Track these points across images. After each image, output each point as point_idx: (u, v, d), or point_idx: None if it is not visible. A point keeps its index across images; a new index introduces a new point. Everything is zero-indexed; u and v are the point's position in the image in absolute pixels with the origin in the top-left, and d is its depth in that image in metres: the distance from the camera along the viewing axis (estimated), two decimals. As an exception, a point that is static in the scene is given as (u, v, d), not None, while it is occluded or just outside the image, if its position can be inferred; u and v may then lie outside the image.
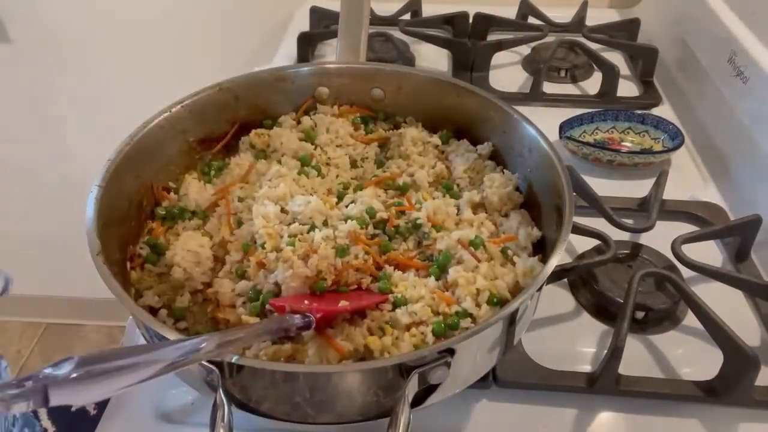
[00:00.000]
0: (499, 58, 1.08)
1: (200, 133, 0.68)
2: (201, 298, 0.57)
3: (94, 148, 0.93)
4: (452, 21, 1.17)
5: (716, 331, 0.57)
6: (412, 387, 0.43)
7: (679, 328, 0.65)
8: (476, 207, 0.64)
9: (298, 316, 0.48)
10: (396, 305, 0.53)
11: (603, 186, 0.80)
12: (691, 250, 0.66)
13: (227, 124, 0.70)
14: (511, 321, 0.49)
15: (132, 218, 0.60)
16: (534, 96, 0.99)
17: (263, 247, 0.56)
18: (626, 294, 0.60)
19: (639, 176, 0.84)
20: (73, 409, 1.70)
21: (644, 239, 0.73)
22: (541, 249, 0.59)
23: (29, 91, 1.44)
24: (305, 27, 1.17)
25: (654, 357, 0.62)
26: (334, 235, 0.57)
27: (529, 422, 0.57)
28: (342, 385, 0.45)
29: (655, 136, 0.89)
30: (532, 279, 0.52)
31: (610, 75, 0.99)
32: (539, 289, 0.50)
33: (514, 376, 0.59)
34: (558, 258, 0.48)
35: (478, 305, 0.52)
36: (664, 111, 0.97)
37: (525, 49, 1.14)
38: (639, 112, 0.91)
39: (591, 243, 0.69)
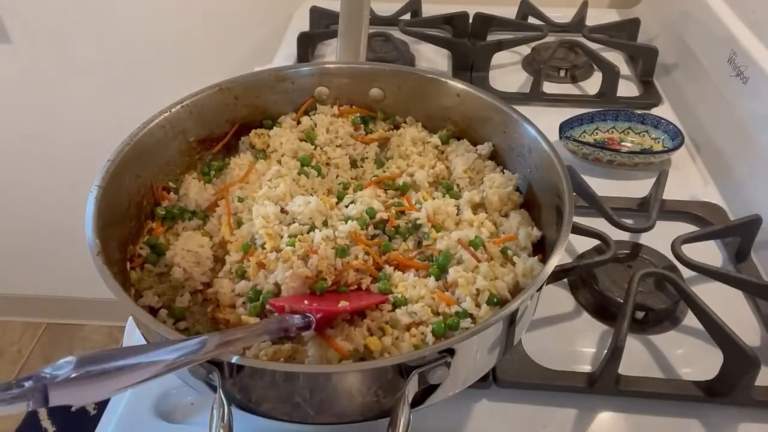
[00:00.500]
0: (499, 58, 1.09)
1: (200, 133, 0.68)
2: (201, 298, 0.57)
3: (94, 148, 0.94)
4: (452, 21, 1.17)
5: (716, 331, 0.57)
6: (412, 387, 0.43)
7: (679, 328, 0.65)
8: (476, 207, 0.64)
9: (298, 316, 0.48)
10: (396, 305, 0.53)
11: (603, 186, 0.80)
12: (691, 250, 0.66)
13: (227, 124, 0.70)
14: (511, 321, 0.49)
15: (132, 218, 0.60)
16: (534, 96, 0.99)
17: (263, 248, 0.56)
18: (626, 294, 0.60)
19: (639, 176, 0.85)
20: (73, 409, 1.70)
21: (644, 239, 0.73)
22: (541, 249, 0.59)
23: (29, 91, 1.44)
24: (305, 27, 1.17)
25: (654, 357, 0.62)
26: (334, 236, 0.57)
27: (529, 422, 0.57)
28: (342, 385, 0.44)
29: (655, 136, 0.89)
30: (532, 279, 0.52)
31: (610, 75, 0.99)
32: (539, 289, 0.50)
33: (514, 376, 0.59)
34: (558, 258, 0.48)
35: (478, 305, 0.52)
36: (664, 111, 0.97)
37: (525, 49, 1.14)
38: (639, 112, 0.91)
39: (591, 243, 0.69)
